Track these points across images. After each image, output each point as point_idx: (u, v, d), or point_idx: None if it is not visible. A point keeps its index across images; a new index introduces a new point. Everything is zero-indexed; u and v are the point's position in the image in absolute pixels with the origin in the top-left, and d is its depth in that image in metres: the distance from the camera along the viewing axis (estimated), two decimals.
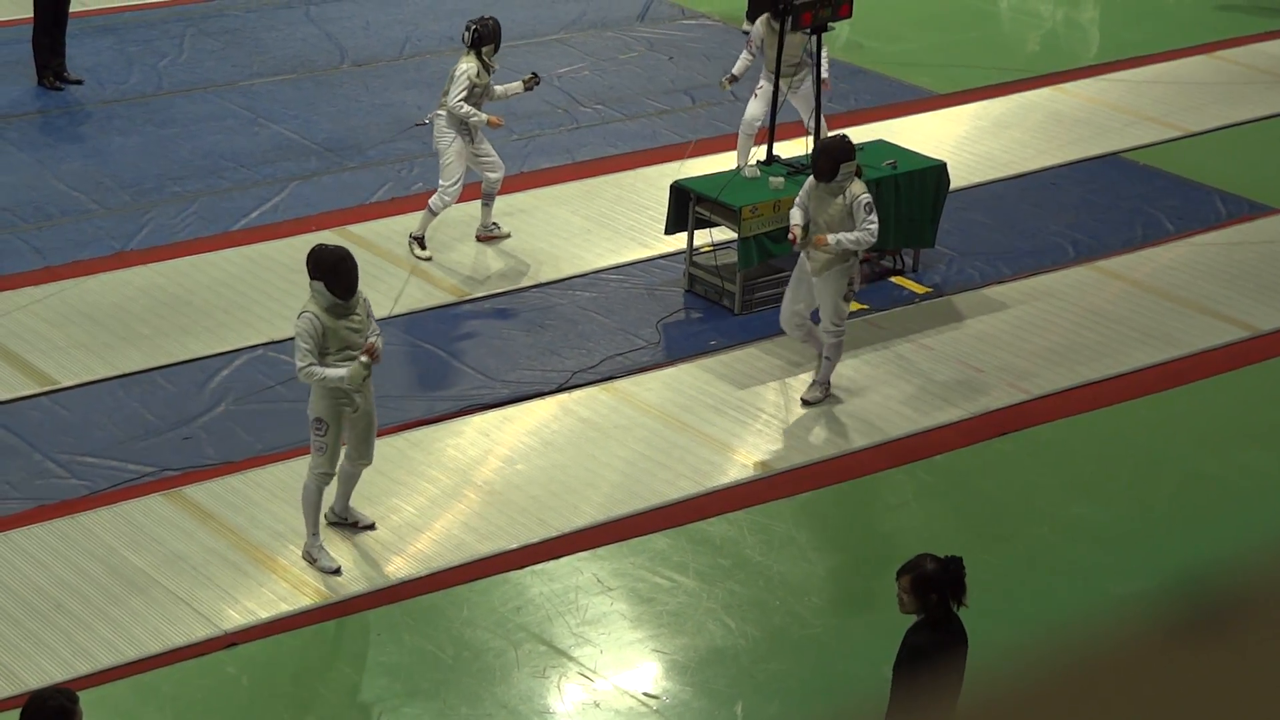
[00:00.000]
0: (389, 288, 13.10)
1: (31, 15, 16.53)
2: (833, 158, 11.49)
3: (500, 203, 14.03)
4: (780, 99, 13.97)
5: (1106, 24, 20.37)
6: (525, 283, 13.51)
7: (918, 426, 11.90)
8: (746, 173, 13.49)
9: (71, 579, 9.93)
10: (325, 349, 9.68)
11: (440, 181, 13.48)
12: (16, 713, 7.10)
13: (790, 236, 11.70)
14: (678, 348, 12.74)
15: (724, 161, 14.63)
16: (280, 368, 12.14)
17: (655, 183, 14.84)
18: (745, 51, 14.55)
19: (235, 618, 9.70)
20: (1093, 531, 10.95)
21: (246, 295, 13.08)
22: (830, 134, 12.58)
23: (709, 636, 9.83)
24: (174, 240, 13.87)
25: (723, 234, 13.36)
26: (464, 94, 13.16)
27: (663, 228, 13.59)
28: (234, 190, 14.74)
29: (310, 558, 10.12)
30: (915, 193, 13.62)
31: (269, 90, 16.83)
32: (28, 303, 12.80)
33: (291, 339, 12.29)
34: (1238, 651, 3.26)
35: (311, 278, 9.74)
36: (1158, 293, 13.84)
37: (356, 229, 14.00)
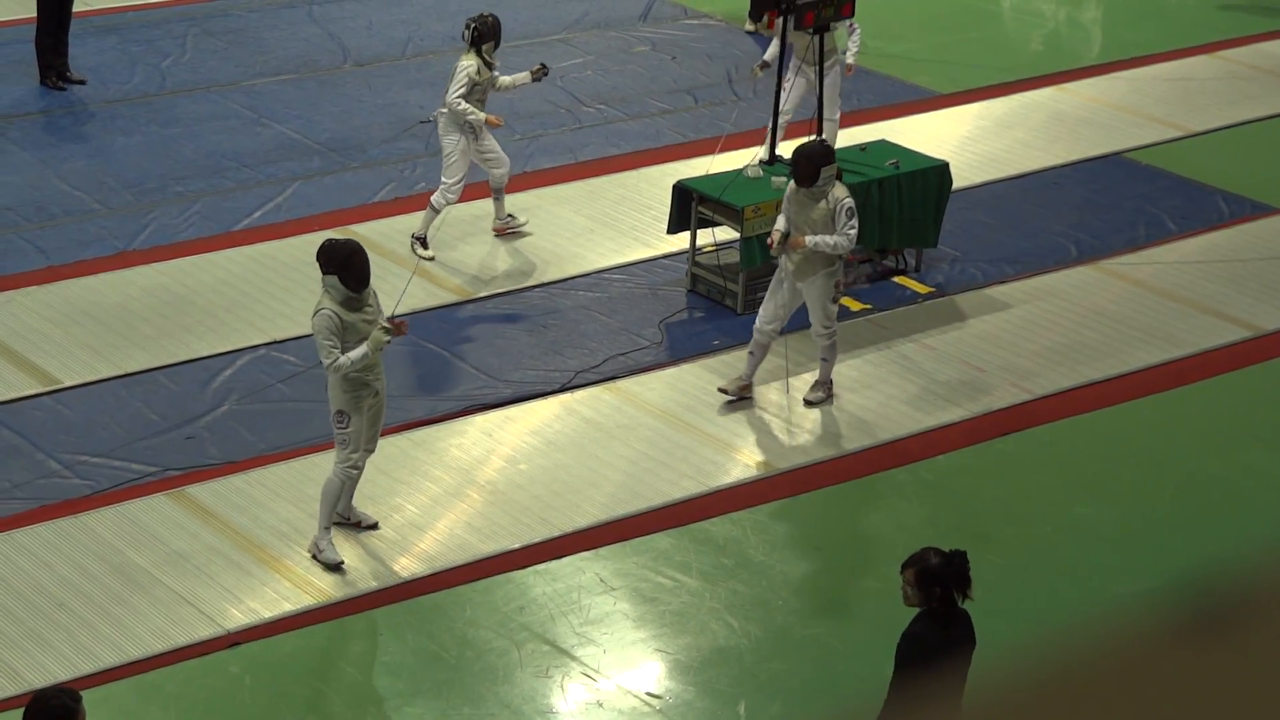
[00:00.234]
0: (392, 288, 12.99)
1: (34, 15, 16.53)
2: (813, 162, 11.38)
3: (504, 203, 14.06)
4: (811, 90, 14.15)
5: (1109, 24, 20.36)
6: (528, 282, 13.51)
7: (920, 426, 11.89)
8: (749, 172, 13.48)
9: (74, 578, 9.94)
10: (344, 343, 9.71)
11: (443, 179, 13.48)
12: (20, 712, 7.11)
13: (769, 241, 11.66)
14: (680, 347, 12.75)
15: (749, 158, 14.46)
16: (283, 367, 12.15)
17: (658, 183, 14.84)
18: (775, 39, 14.46)
19: (238, 617, 9.70)
20: (1095, 531, 10.95)
21: (249, 295, 13.09)
22: (809, 139, 12.40)
23: (712, 636, 9.83)
24: (177, 240, 13.88)
25: (725, 234, 13.37)
26: (463, 90, 13.14)
27: (665, 227, 13.60)
28: (237, 190, 14.75)
29: (316, 549, 10.13)
30: (918, 193, 13.61)
31: (272, 90, 16.84)
32: (30, 302, 12.82)
33: (295, 338, 12.44)
34: (1241, 651, 3.26)
35: (324, 273, 9.74)
36: (1160, 293, 13.84)
37: (359, 229, 13.99)
